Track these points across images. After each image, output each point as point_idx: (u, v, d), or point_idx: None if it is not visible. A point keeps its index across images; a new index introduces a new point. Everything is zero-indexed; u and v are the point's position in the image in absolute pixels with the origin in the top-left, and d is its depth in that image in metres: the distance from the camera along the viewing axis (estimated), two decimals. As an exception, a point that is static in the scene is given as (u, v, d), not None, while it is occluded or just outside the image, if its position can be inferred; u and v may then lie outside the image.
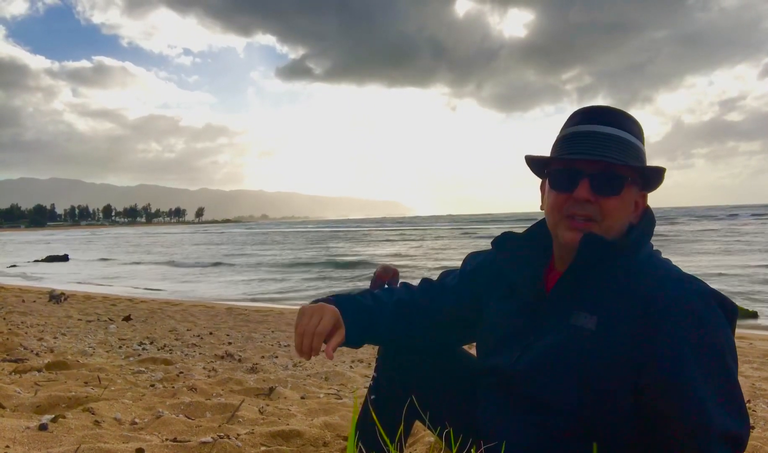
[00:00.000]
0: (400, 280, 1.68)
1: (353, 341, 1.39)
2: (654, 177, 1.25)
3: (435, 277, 1.57)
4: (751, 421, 3.01)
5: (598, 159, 1.18)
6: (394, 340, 1.49)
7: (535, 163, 1.32)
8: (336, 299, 1.41)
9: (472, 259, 1.51)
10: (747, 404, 3.41)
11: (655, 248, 1.27)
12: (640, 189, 1.26)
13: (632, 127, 1.24)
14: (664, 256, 1.27)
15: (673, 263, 1.23)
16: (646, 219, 1.27)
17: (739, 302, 9.02)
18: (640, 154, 1.23)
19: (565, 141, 1.24)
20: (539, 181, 1.36)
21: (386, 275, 2.06)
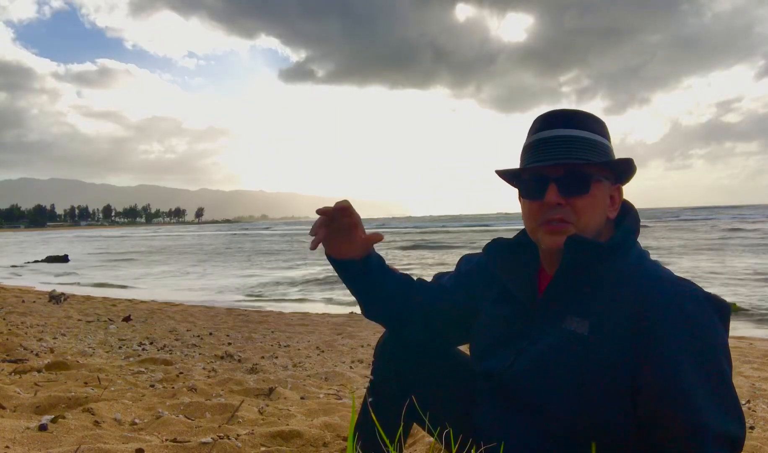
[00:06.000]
0: None
1: (372, 266, 1.44)
2: (624, 169, 1.26)
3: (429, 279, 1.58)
4: (751, 421, 3.01)
5: (561, 162, 1.19)
6: (392, 311, 1.49)
7: (505, 176, 1.34)
8: None
9: (467, 261, 1.52)
10: (747, 404, 3.41)
11: (643, 247, 1.27)
12: (612, 183, 1.26)
13: (593, 125, 1.24)
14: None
15: (663, 266, 1.23)
16: (631, 217, 1.28)
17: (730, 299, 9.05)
18: (605, 150, 1.24)
19: (529, 150, 1.26)
20: None
21: None
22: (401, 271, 1.55)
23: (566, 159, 1.19)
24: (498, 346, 1.31)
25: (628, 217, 1.27)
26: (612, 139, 1.29)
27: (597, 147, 1.22)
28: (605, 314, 1.15)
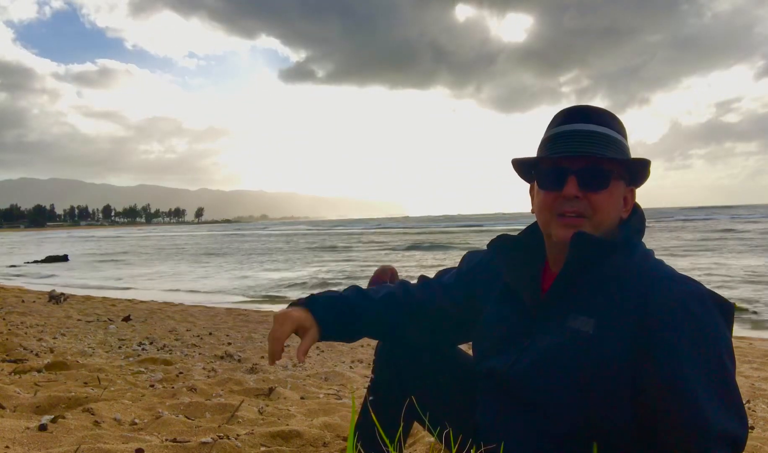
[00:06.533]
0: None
1: (332, 337, 1.43)
2: (640, 170, 1.26)
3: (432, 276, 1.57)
4: (751, 421, 3.01)
5: (583, 155, 1.20)
6: (384, 333, 1.50)
7: (522, 166, 1.33)
8: (308, 299, 1.45)
9: (470, 258, 1.51)
10: (747, 404, 3.42)
11: (648, 248, 1.27)
12: (627, 184, 1.26)
13: (614, 123, 1.25)
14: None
15: (667, 264, 1.23)
16: (636, 217, 1.28)
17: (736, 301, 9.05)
18: (623, 149, 1.24)
19: (550, 142, 1.25)
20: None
21: (384, 276, 2.06)
22: (387, 285, 1.56)
23: (589, 152, 1.19)
24: (501, 344, 1.31)
25: (634, 217, 1.28)
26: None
27: (617, 144, 1.23)
28: (611, 313, 1.15)
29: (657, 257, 1.24)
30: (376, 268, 2.08)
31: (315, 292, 1.51)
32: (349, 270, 19.20)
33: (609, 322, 1.15)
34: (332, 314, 1.42)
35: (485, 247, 1.47)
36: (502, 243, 1.40)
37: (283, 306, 1.51)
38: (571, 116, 1.25)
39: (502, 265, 1.38)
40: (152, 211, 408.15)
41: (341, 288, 1.55)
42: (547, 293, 1.25)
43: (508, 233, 1.42)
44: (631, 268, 1.19)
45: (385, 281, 2.01)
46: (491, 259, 1.43)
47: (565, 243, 1.21)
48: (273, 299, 12.27)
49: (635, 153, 1.27)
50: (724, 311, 1.13)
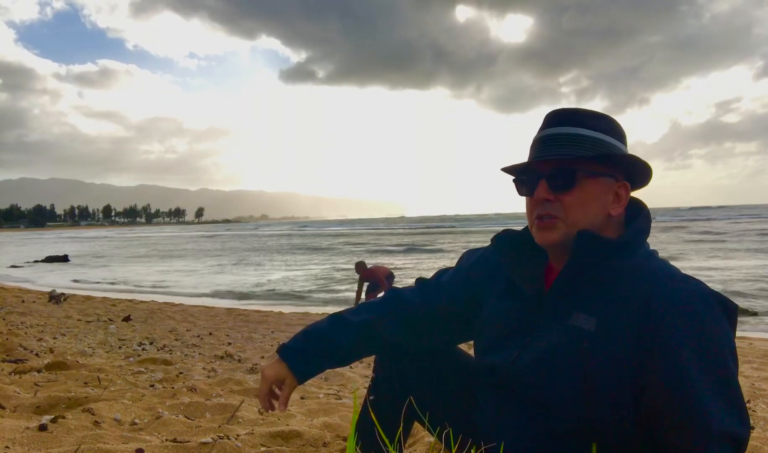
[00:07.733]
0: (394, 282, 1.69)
1: (311, 375, 1.50)
2: (624, 165, 1.25)
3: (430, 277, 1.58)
4: (751, 421, 3.01)
5: (549, 158, 1.22)
6: (376, 350, 1.57)
7: (509, 174, 1.35)
8: (279, 348, 1.50)
9: (468, 256, 1.51)
10: (747, 404, 3.41)
11: (652, 248, 1.27)
12: (616, 180, 1.25)
13: (591, 122, 1.24)
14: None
15: (671, 264, 1.23)
16: (642, 217, 1.27)
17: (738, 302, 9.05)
18: (596, 145, 1.22)
19: (530, 149, 1.29)
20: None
21: (364, 271, 2.07)
22: (375, 299, 1.57)
23: (551, 156, 1.21)
24: (502, 340, 1.31)
25: (639, 217, 1.27)
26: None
27: (585, 142, 1.21)
28: (613, 312, 1.15)
29: (660, 257, 1.25)
30: (356, 263, 2.08)
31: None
32: (330, 270, 19.09)
33: (611, 320, 1.15)
34: (305, 356, 1.48)
35: (474, 247, 1.49)
36: (507, 238, 1.40)
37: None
38: (545, 121, 1.28)
39: (505, 261, 1.38)
40: (152, 211, 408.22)
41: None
42: (550, 290, 1.25)
43: (512, 229, 1.42)
44: (634, 268, 1.18)
45: (362, 275, 2.02)
46: (492, 255, 1.43)
47: (547, 245, 1.24)
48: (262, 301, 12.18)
49: (634, 153, 1.26)
50: (728, 311, 1.13)
